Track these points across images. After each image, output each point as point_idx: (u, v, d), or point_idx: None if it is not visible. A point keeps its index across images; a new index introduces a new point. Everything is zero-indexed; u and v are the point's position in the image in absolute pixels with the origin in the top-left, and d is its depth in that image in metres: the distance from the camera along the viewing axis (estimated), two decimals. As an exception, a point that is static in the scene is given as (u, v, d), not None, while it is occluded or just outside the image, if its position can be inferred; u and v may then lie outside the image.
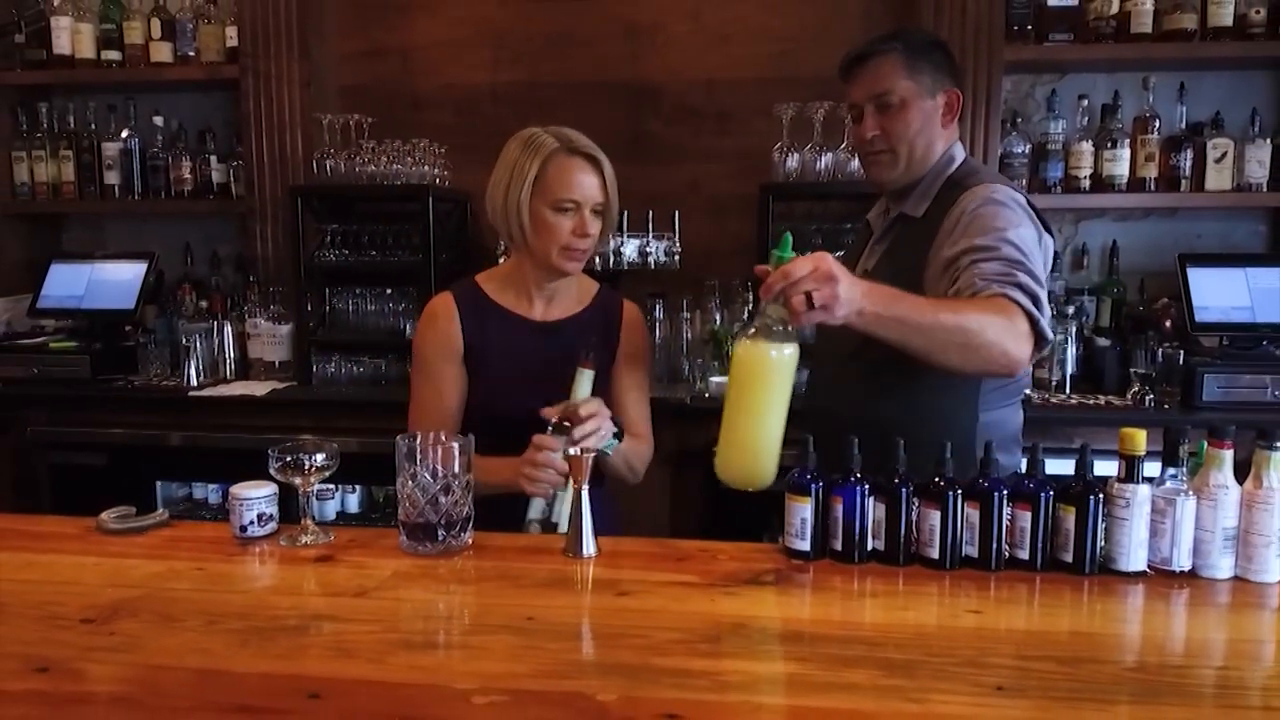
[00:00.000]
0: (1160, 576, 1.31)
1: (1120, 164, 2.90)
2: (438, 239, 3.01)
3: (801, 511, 1.36)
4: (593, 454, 1.44)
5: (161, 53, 3.26)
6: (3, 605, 1.24)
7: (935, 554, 1.33)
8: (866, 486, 1.35)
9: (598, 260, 2.83)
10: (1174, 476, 1.32)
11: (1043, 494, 1.32)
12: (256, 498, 1.48)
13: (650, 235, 3.00)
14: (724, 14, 3.22)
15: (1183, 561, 1.30)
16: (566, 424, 1.56)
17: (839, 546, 1.37)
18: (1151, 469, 1.31)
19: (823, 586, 1.31)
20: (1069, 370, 2.83)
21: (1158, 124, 2.91)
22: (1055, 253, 3.03)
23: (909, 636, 1.14)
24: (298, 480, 1.47)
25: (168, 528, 1.55)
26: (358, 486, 3.23)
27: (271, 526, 1.50)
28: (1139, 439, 1.30)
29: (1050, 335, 1.45)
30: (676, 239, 3.02)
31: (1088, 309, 3.06)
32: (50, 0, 3.29)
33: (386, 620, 1.19)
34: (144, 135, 3.39)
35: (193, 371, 3.04)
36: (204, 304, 3.31)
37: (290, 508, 1.51)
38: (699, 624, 1.21)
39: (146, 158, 3.36)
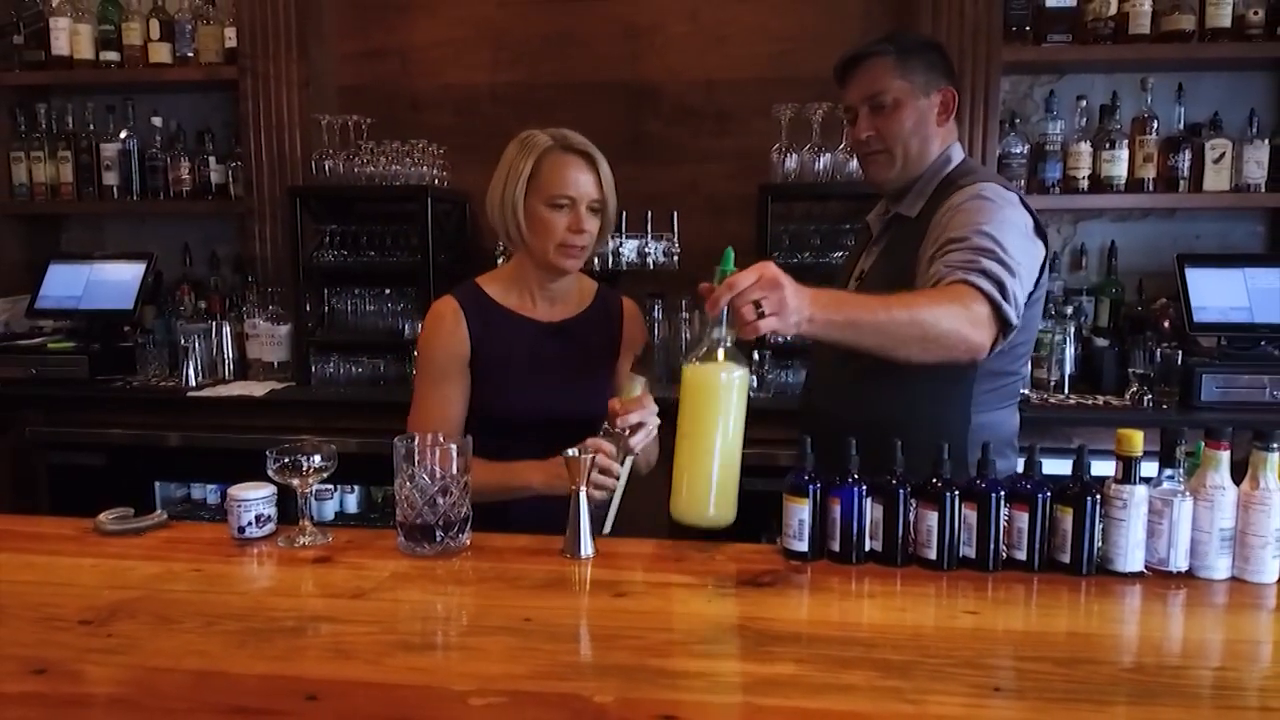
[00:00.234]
0: (1157, 577, 1.31)
1: (1118, 165, 2.90)
2: (436, 240, 3.02)
3: (799, 512, 1.36)
4: (591, 456, 1.43)
5: (160, 54, 3.26)
6: (1, 606, 1.24)
7: (933, 555, 1.33)
8: (864, 487, 1.35)
9: (596, 261, 2.83)
10: (1171, 477, 1.32)
11: (1040, 495, 1.32)
12: (254, 499, 1.48)
13: (649, 235, 3.00)
14: (723, 14, 3.22)
15: (1180, 562, 1.31)
16: (613, 429, 1.54)
17: (837, 547, 1.37)
18: (1149, 469, 1.32)
19: (820, 587, 1.31)
20: (1067, 370, 2.83)
21: (1156, 125, 2.92)
22: (1054, 253, 3.07)
23: (906, 637, 1.14)
24: (296, 481, 1.47)
25: (166, 529, 1.55)
26: (356, 487, 3.24)
27: (270, 527, 1.50)
28: (1136, 440, 1.30)
29: (1013, 320, 1.42)
30: (675, 239, 3.02)
31: (1086, 309, 3.06)
32: (49, 1, 3.29)
33: (384, 621, 1.19)
34: (142, 136, 3.39)
35: (191, 372, 3.04)
36: (202, 304, 3.31)
37: (289, 508, 1.51)
38: (697, 625, 1.22)
39: (145, 158, 3.36)
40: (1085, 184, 2.93)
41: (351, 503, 3.27)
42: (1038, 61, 2.98)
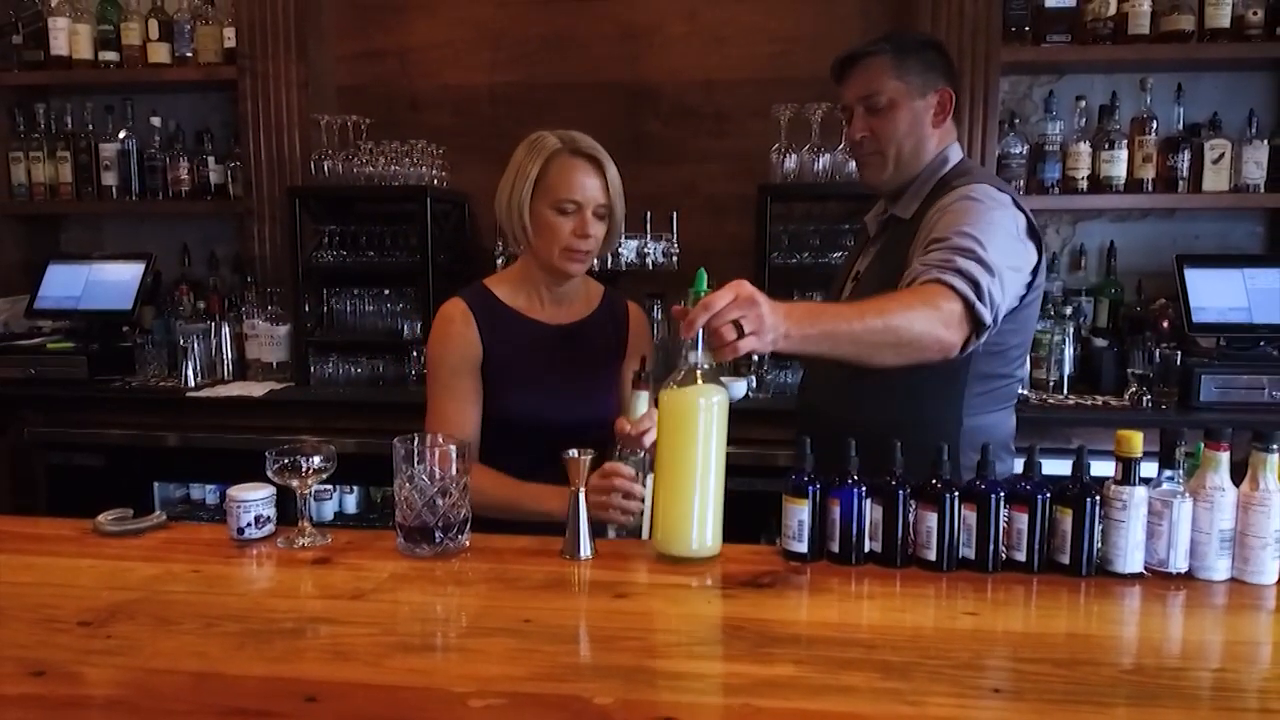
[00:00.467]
0: (1157, 578, 1.31)
1: (1118, 165, 2.90)
2: (436, 240, 3.02)
3: (799, 513, 1.36)
4: (590, 456, 1.43)
5: (159, 54, 3.25)
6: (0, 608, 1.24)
7: (932, 556, 1.33)
8: (864, 489, 1.35)
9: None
10: (1170, 478, 1.32)
11: (1039, 496, 1.32)
12: (254, 500, 1.48)
13: (648, 236, 3.00)
14: (721, 15, 3.22)
15: (1179, 563, 1.31)
16: (627, 451, 1.53)
17: (836, 548, 1.37)
18: (1148, 470, 1.32)
19: (820, 588, 1.31)
20: (1066, 371, 2.83)
21: (1155, 125, 2.92)
22: (1054, 254, 3.07)
23: (906, 639, 1.14)
24: (295, 482, 1.47)
25: (165, 530, 1.55)
26: (355, 487, 3.24)
27: (269, 528, 1.50)
28: (1136, 441, 1.30)
29: (986, 320, 1.41)
30: (675, 240, 3.02)
31: (1085, 309, 3.07)
32: (48, 1, 3.29)
33: (384, 623, 1.19)
34: (141, 136, 3.39)
35: (190, 372, 3.04)
36: (201, 305, 3.31)
37: (288, 508, 1.51)
38: (696, 626, 1.22)
39: (144, 158, 3.36)
40: (1084, 184, 2.93)
41: (350, 503, 3.27)
42: (1037, 62, 2.98)
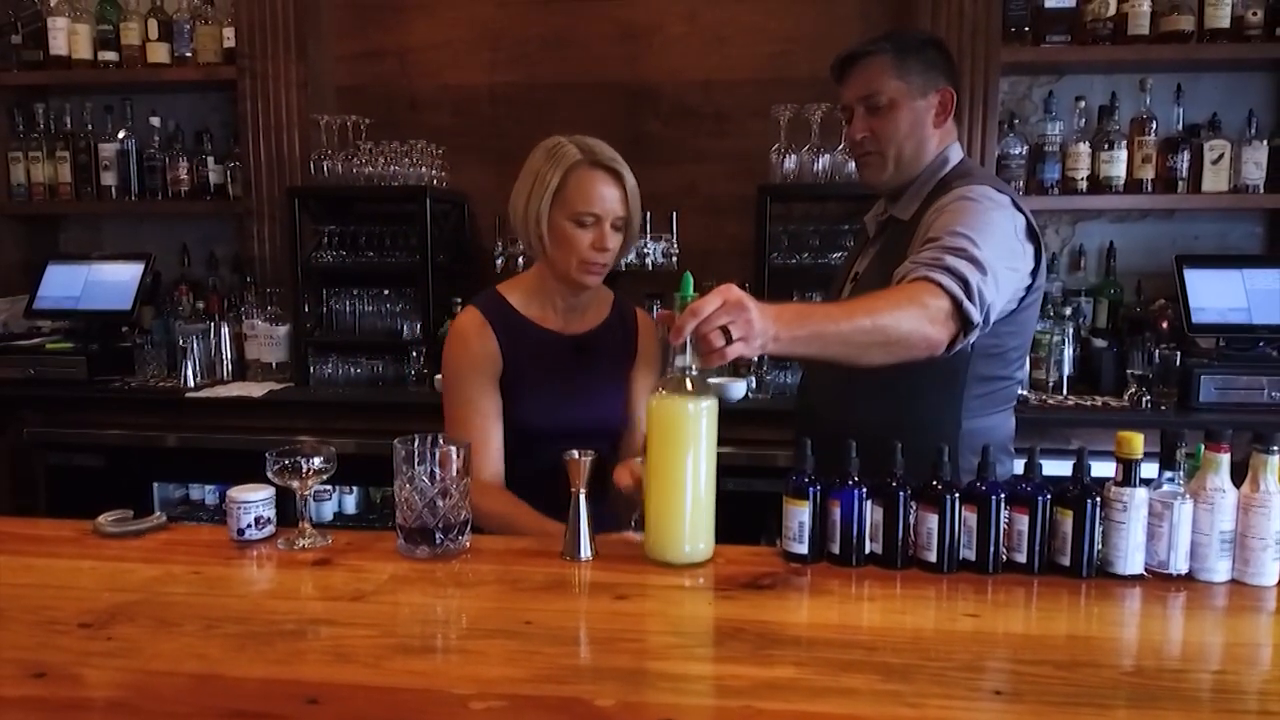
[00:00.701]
0: (1157, 580, 1.31)
1: (1117, 165, 2.90)
2: (435, 240, 3.02)
3: (799, 515, 1.36)
4: (591, 458, 1.42)
5: (158, 54, 3.25)
6: (-1, 609, 1.24)
7: (933, 557, 1.33)
8: (864, 490, 1.35)
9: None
10: (1171, 480, 1.32)
11: (1040, 497, 1.32)
12: (254, 501, 1.48)
13: (648, 236, 3.00)
14: (721, 15, 3.22)
15: (1180, 565, 1.31)
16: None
17: (837, 550, 1.37)
18: (1149, 471, 1.32)
19: (820, 590, 1.31)
20: (1066, 371, 2.84)
21: (1155, 125, 2.92)
22: (1053, 254, 3.07)
23: (906, 640, 1.14)
24: (295, 483, 1.47)
25: (165, 531, 1.55)
26: (355, 488, 3.24)
27: (269, 530, 1.49)
28: (1136, 443, 1.30)
29: (975, 318, 1.40)
30: (674, 240, 3.02)
31: (1085, 310, 3.07)
32: (47, 1, 3.28)
33: (384, 624, 1.19)
34: (141, 136, 3.39)
35: (190, 373, 3.04)
36: (201, 305, 3.31)
37: (288, 509, 1.51)
38: (697, 628, 1.22)
39: (143, 159, 3.36)
40: (1084, 185, 2.93)
41: (350, 503, 3.27)
42: (1037, 62, 2.98)
